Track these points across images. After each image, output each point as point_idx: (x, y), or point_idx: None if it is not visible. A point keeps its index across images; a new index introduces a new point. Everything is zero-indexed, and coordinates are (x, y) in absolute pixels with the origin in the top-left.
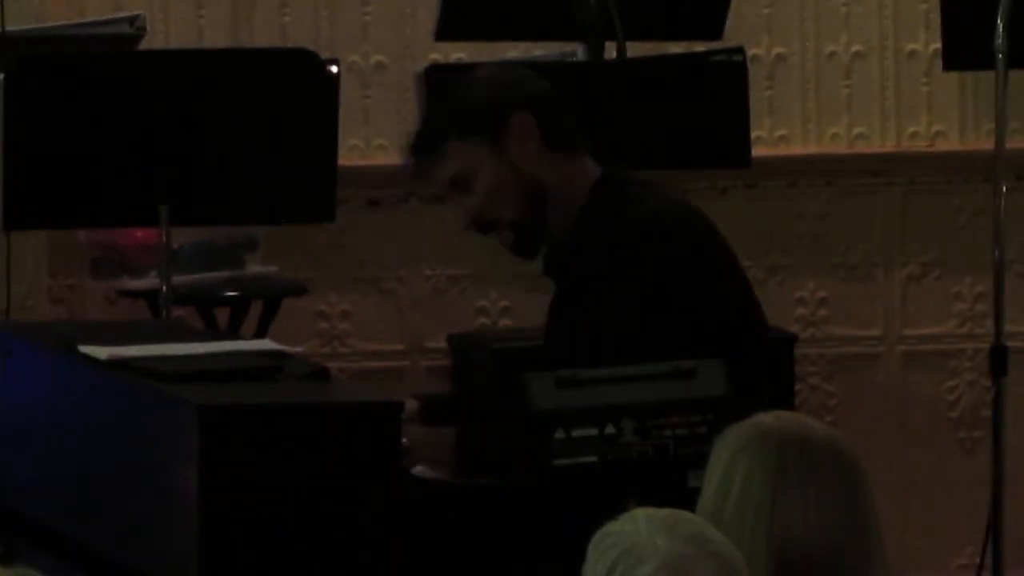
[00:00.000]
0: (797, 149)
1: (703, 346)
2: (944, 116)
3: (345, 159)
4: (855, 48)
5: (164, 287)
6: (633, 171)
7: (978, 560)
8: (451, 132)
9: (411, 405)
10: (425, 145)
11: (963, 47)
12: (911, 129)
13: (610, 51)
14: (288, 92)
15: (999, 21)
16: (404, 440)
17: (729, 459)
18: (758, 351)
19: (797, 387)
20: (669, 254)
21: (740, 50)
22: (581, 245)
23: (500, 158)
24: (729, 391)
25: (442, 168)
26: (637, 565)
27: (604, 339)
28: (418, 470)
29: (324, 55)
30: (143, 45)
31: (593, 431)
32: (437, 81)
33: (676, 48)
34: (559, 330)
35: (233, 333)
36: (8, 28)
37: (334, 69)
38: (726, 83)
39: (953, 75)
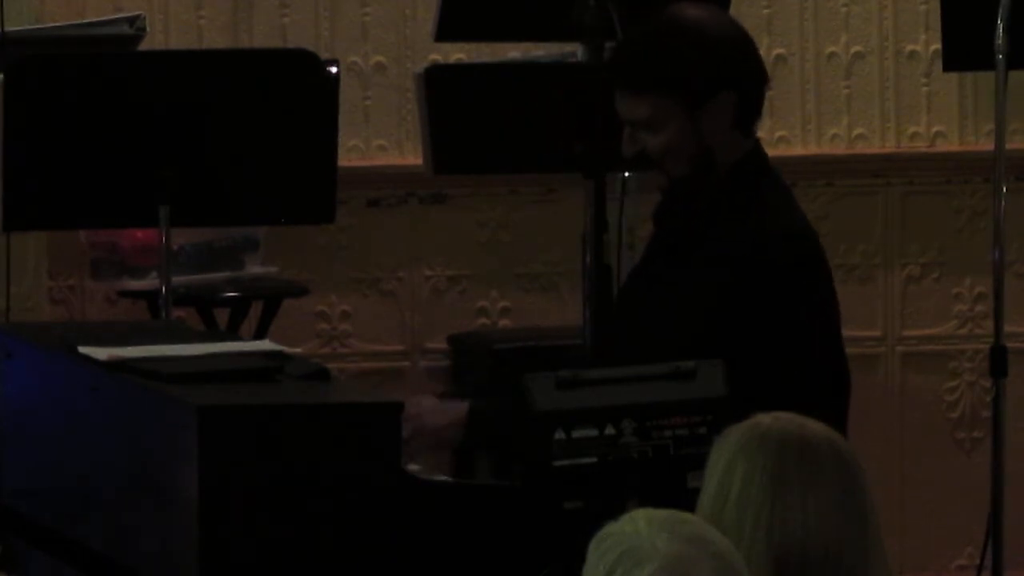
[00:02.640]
0: (797, 150)
1: (780, 382)
2: (944, 116)
3: (345, 159)
4: (855, 48)
5: (164, 288)
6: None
7: (978, 561)
8: (658, 85)
9: (432, 402)
10: (628, 81)
11: (963, 47)
12: (911, 130)
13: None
14: (288, 93)
15: (999, 21)
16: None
17: (728, 460)
18: (837, 394)
19: None
20: (779, 286)
21: None
22: (705, 225)
23: (690, 123)
24: (728, 392)
25: (634, 107)
26: (637, 566)
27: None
28: (414, 469)
29: (324, 56)
30: (143, 45)
31: (593, 432)
32: (437, 81)
33: None
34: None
35: (233, 333)
36: (8, 28)
37: (334, 70)
38: None
39: (953, 75)
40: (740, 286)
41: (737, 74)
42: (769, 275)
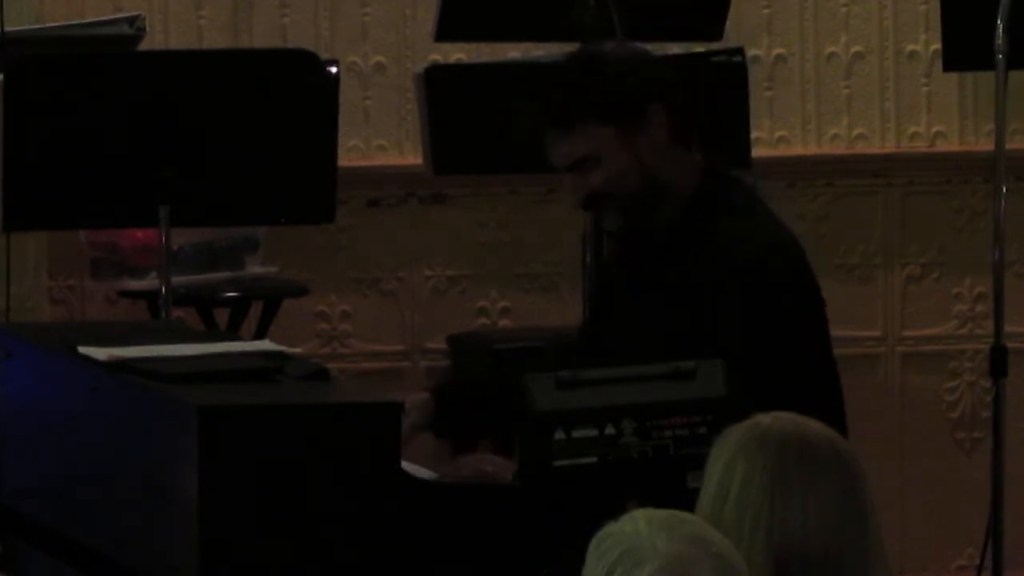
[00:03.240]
0: (797, 150)
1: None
2: (944, 117)
3: (345, 159)
4: (855, 48)
5: (164, 288)
6: (733, 170)
7: (978, 561)
8: (586, 114)
9: (420, 398)
10: (557, 121)
11: (963, 47)
12: (911, 130)
13: None
14: (288, 93)
15: (999, 21)
16: (489, 468)
17: (728, 460)
18: (829, 397)
19: None
20: (766, 292)
21: (740, 51)
22: (679, 249)
23: (628, 146)
24: (728, 392)
25: (570, 146)
26: (637, 566)
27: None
28: (413, 468)
29: (324, 56)
30: (143, 45)
31: (593, 432)
32: (437, 81)
33: (675, 49)
34: (636, 329)
35: (233, 333)
36: (8, 28)
37: (334, 70)
38: (726, 84)
39: (953, 75)
40: (734, 298)
41: (661, 86)
42: (763, 286)
